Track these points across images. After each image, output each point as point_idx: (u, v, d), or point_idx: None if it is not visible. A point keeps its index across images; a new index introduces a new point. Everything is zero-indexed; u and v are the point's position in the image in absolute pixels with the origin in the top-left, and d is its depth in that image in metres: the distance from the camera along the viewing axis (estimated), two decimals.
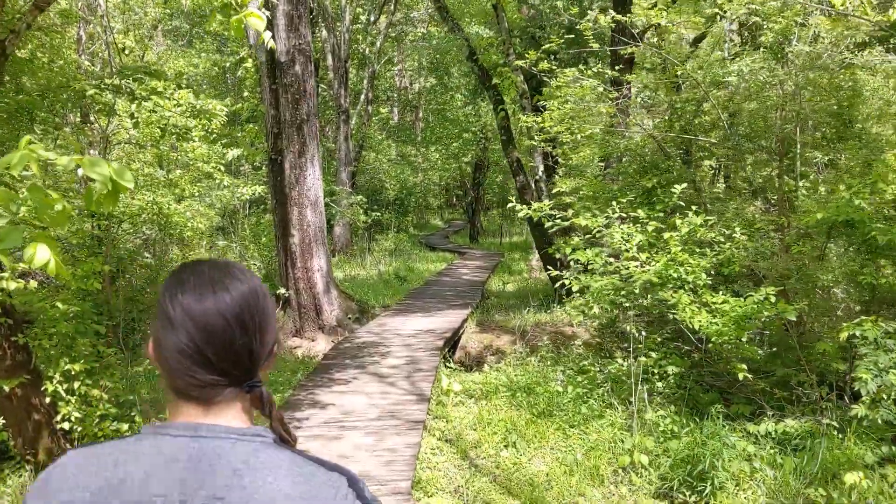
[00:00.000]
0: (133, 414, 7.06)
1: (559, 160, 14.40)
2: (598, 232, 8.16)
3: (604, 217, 8.18)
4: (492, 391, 9.02)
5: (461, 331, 12.77)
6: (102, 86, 7.12)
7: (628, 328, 9.49)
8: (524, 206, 9.20)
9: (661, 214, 8.21)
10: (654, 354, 8.80)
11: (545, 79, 13.11)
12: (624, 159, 11.63)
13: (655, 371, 8.73)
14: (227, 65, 21.00)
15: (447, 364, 10.63)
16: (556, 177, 14.08)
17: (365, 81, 29.70)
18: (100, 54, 15.81)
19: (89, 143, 11.84)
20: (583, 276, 8.38)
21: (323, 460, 1.25)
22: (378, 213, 26.82)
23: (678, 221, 7.53)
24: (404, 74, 41.24)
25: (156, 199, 11.19)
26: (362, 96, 29.73)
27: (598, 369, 9.20)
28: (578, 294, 8.20)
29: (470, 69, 17.71)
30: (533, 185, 13.89)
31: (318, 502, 1.17)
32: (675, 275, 6.99)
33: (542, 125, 10.73)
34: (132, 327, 10.32)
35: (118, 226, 11.76)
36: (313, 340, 12.51)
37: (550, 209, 8.92)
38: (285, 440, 1.27)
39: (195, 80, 22.61)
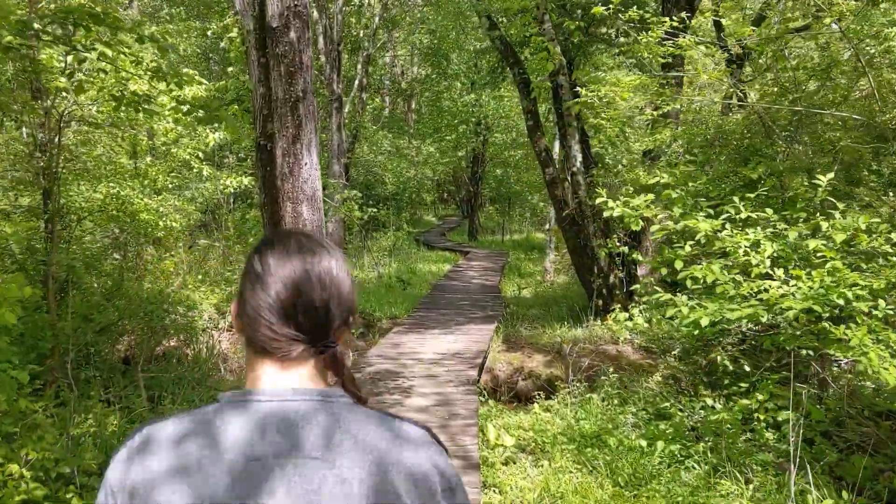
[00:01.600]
0: (70, 497, 4.98)
1: (598, 149, 12.37)
2: (706, 238, 6.06)
3: (720, 220, 6.08)
4: (549, 442, 6.97)
5: (488, 350, 10.72)
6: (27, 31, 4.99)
7: (719, 358, 7.49)
8: (608, 202, 7.07)
9: (803, 214, 6.15)
10: (759, 395, 6.78)
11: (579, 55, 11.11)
12: (683, 145, 9.61)
13: (761, 417, 6.72)
14: (210, 33, 18.63)
15: (483, 398, 8.58)
16: (597, 168, 12.04)
17: (359, 66, 27.56)
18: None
19: (40, 123, 9.67)
20: (675, 295, 6.30)
21: (403, 416, 1.29)
22: (374, 210, 24.70)
23: (825, 224, 5.47)
24: (396, 63, 39.11)
25: (120, 192, 9.07)
26: (356, 82, 27.57)
27: (684, 413, 7.17)
28: (687, 325, 6.07)
29: (488, 44, 15.57)
30: (569, 179, 11.84)
31: (411, 451, 1.21)
32: (839, 300, 4.93)
33: (604, 98, 8.60)
34: (86, 354, 8.17)
35: (76, 224, 9.63)
36: None
37: (628, 205, 6.83)
38: (361, 400, 1.30)
39: (174, 61, 20.33)
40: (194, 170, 11.85)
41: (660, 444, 6.46)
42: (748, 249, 5.64)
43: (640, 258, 11.77)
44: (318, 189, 11.36)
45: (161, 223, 9.78)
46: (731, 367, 7.14)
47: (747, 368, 7.08)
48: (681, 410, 7.14)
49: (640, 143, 10.19)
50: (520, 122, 29.44)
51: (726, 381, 7.34)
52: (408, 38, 33.22)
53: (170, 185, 11.48)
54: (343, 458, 1.17)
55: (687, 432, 6.81)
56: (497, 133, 31.66)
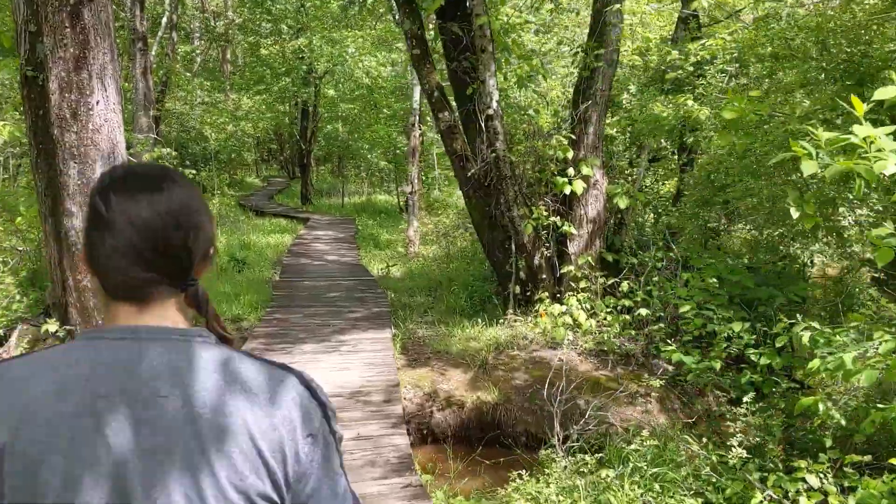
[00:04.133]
0: None
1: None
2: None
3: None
4: None
5: (399, 383, 7.51)
6: None
7: (822, 407, 4.65)
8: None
9: None
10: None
11: None
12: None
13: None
14: None
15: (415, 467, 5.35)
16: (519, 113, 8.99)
17: (167, 1, 23.06)
18: None
19: None
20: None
21: (269, 360, 1.23)
22: (192, 171, 20.39)
23: None
24: (207, 5, 34.26)
25: None
26: (163, 20, 23.08)
27: (754, 475, 4.26)
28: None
29: None
30: (482, 124, 8.68)
31: (272, 397, 1.15)
32: None
33: None
34: None
35: None
36: None
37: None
38: (226, 340, 1.24)
39: None
40: None
41: None
42: None
43: (574, 231, 8.89)
44: (120, 142, 7.53)
45: None
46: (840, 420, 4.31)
47: None
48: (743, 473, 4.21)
49: (662, 56, 7.17)
50: (358, 70, 26.03)
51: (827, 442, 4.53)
52: None
53: None
54: (194, 398, 1.11)
55: None
56: (331, 87, 28.04)
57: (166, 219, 1.18)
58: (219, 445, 1.10)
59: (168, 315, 1.20)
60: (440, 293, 11.59)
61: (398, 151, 25.99)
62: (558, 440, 5.63)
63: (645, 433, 4.48)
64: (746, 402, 4.31)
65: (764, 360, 4.28)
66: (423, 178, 22.66)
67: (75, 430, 1.08)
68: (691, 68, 5.97)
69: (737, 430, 4.25)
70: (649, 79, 9.95)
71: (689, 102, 5.24)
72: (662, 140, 8.13)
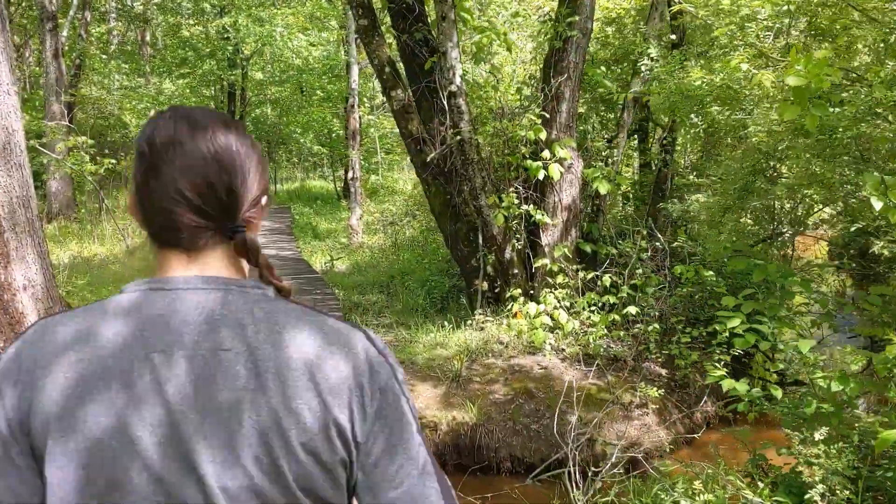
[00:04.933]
0: None
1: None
2: None
3: None
4: None
5: None
6: None
7: None
8: None
9: None
10: None
11: None
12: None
13: None
14: None
15: None
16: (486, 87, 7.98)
17: None
18: None
19: None
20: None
21: (331, 314, 1.19)
22: (113, 161, 18.78)
23: None
24: None
25: None
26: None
27: None
28: None
29: None
30: (444, 102, 7.64)
31: (337, 352, 1.10)
32: None
33: None
34: None
35: None
36: None
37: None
38: (282, 292, 1.18)
39: None
40: None
41: None
42: None
43: (548, 220, 7.98)
44: (17, 130, 6.33)
45: None
46: None
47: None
48: None
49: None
50: (287, 51, 24.65)
51: None
52: None
53: None
54: (259, 351, 1.06)
55: None
56: (257, 67, 26.61)
57: (210, 161, 1.13)
58: (286, 402, 1.05)
59: (220, 265, 1.15)
60: (394, 289, 10.57)
61: (334, 135, 24.79)
62: (573, 484, 4.67)
63: (697, 485, 3.56)
64: (821, 439, 3.46)
65: (835, 386, 3.44)
66: (364, 162, 21.50)
67: (130, 388, 1.04)
68: (734, 26, 5.06)
69: (813, 477, 3.39)
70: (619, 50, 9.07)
71: (744, 66, 4.35)
72: (693, 115, 7.18)
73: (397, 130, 25.87)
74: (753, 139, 5.68)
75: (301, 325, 1.10)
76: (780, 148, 5.30)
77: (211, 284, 1.11)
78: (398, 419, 1.11)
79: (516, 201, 7.82)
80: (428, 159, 8.19)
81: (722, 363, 5.74)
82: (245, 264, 1.20)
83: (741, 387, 3.77)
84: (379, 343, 1.16)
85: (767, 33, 4.88)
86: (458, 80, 7.40)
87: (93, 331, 1.07)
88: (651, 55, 7.67)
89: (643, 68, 7.85)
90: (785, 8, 4.39)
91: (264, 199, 1.22)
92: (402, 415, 1.12)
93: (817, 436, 3.52)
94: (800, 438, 3.65)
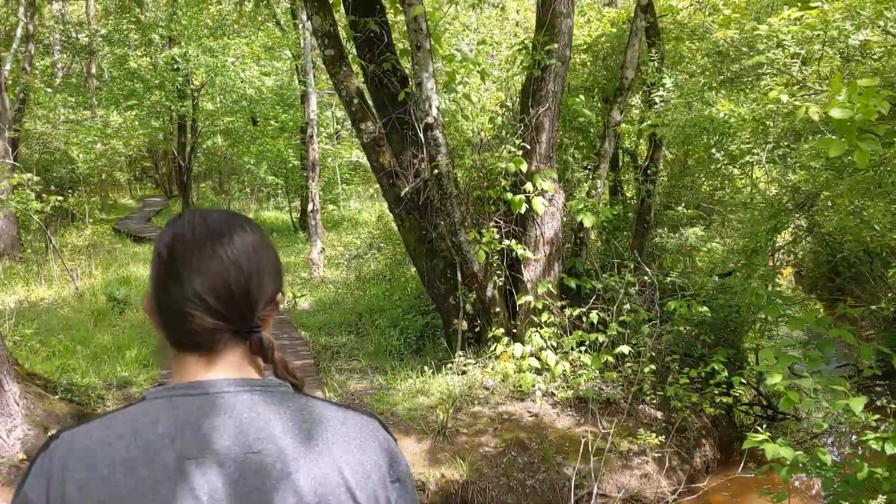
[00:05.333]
0: None
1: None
2: None
3: None
4: None
5: None
6: None
7: None
8: None
9: None
10: None
11: None
12: None
13: None
14: None
15: None
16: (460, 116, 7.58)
17: (21, 10, 20.56)
18: None
19: None
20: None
21: (347, 405, 1.28)
22: (60, 198, 17.90)
23: None
24: (67, 11, 31.51)
25: None
26: (18, 31, 20.60)
27: None
28: None
29: None
30: (420, 134, 7.20)
31: (364, 444, 1.13)
32: None
33: None
34: None
35: None
36: None
37: None
38: (298, 387, 1.20)
39: None
40: None
41: None
42: None
43: (531, 255, 7.60)
44: None
45: None
46: None
47: None
48: None
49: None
50: (239, 81, 24.07)
51: None
52: None
53: None
54: (287, 451, 1.07)
55: None
56: (208, 98, 26.00)
57: (229, 265, 1.14)
58: (317, 500, 1.06)
59: (240, 365, 1.15)
60: (364, 329, 10.07)
61: (290, 165, 24.22)
62: None
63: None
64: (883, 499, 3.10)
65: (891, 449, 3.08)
66: (323, 194, 20.97)
67: (166, 497, 1.02)
68: (772, 53, 4.69)
69: None
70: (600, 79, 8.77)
71: (784, 97, 4.00)
72: (713, 149, 6.81)
73: (355, 160, 25.42)
74: (793, 177, 5.39)
75: (325, 420, 1.12)
76: (818, 183, 5.00)
77: (236, 387, 1.11)
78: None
79: (497, 236, 7.42)
80: (402, 194, 7.76)
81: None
82: (260, 361, 1.19)
83: (786, 451, 3.39)
84: (390, 431, 1.19)
85: (794, 60, 4.58)
86: (434, 111, 6.99)
87: (120, 443, 1.05)
88: (666, 84, 7.36)
89: (657, 99, 7.53)
90: (818, 33, 4.09)
91: (279, 296, 1.22)
92: (415, 501, 1.17)
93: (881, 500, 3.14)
94: None
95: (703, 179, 8.99)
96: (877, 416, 3.30)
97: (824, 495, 3.52)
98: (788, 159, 5.44)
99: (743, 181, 9.91)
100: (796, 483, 6.92)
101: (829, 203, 5.72)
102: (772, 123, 5.08)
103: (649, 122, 7.76)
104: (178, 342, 1.15)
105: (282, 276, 1.25)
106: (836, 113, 3.08)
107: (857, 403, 3.25)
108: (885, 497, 3.17)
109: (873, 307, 6.79)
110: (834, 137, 3.15)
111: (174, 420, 1.07)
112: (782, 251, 8.75)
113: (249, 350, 1.17)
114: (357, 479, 1.08)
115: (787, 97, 4.01)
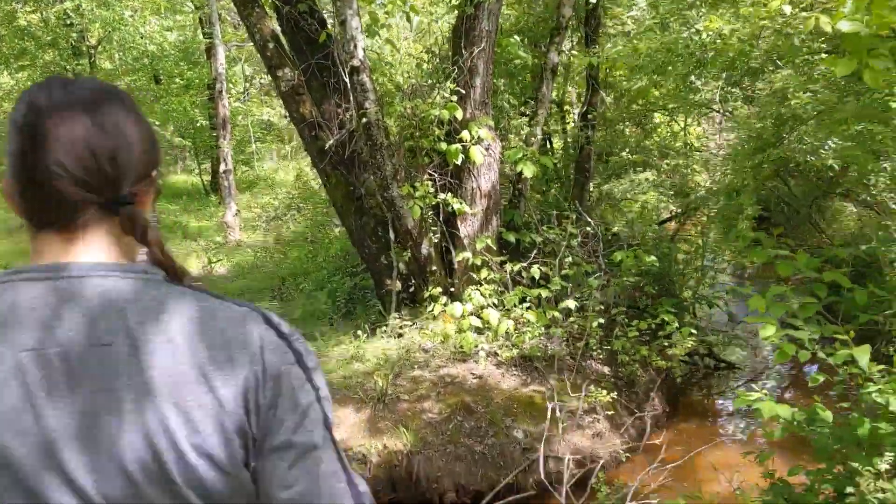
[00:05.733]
0: None
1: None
2: None
3: None
4: None
5: None
6: None
7: None
8: None
9: None
10: None
11: None
12: None
13: None
14: None
15: None
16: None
17: None
18: None
19: None
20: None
21: (226, 297, 1.07)
22: None
23: None
24: None
25: None
26: None
27: None
28: None
29: None
30: (345, 79, 6.60)
31: (230, 342, 0.98)
32: None
33: None
34: None
35: None
36: None
37: None
38: (175, 274, 1.05)
39: None
40: None
41: None
42: None
43: (468, 209, 7.18)
44: None
45: None
46: None
47: None
48: None
49: None
50: (139, 37, 22.70)
51: None
52: None
53: None
54: (143, 345, 0.94)
55: None
56: (105, 59, 24.55)
57: (93, 129, 1.01)
58: (175, 400, 0.93)
59: (102, 246, 1.02)
60: (288, 293, 9.51)
61: (197, 125, 23.07)
62: None
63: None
64: (890, 466, 2.82)
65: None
66: (236, 154, 20.03)
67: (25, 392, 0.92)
68: None
69: None
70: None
71: (786, 8, 3.59)
72: (693, 77, 6.39)
73: (266, 119, 24.35)
74: (793, 102, 5.06)
75: (192, 313, 0.98)
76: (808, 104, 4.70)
77: (92, 271, 0.99)
78: (291, 409, 0.99)
79: (432, 190, 6.95)
80: (326, 147, 7.19)
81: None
82: (132, 243, 1.05)
83: (784, 411, 3.07)
84: (280, 326, 1.03)
85: None
86: (360, 53, 6.42)
87: None
88: (639, 3, 6.91)
89: (630, 21, 7.09)
90: None
91: (154, 173, 1.08)
92: (297, 405, 0.99)
93: (882, 465, 2.86)
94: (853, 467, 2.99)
95: (648, 123, 8.71)
96: (881, 367, 3.02)
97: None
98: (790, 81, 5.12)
99: (674, 127, 9.69)
100: (740, 435, 6.78)
101: (808, 136, 5.49)
102: (756, 44, 4.76)
103: (594, 56, 7.36)
104: (37, 219, 1.03)
105: (158, 152, 1.10)
106: (844, 25, 2.71)
107: (862, 353, 2.95)
108: (893, 455, 2.89)
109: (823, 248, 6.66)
110: (842, 56, 2.79)
111: (11, 306, 0.96)
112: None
113: (121, 229, 1.03)
114: (224, 377, 0.95)
115: (791, 9, 3.65)
